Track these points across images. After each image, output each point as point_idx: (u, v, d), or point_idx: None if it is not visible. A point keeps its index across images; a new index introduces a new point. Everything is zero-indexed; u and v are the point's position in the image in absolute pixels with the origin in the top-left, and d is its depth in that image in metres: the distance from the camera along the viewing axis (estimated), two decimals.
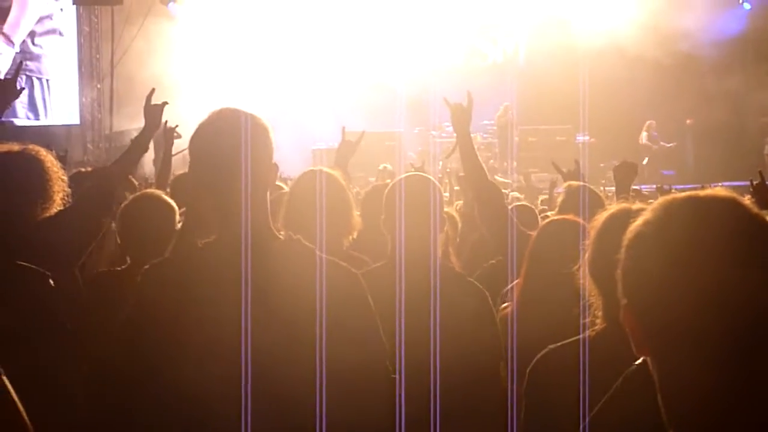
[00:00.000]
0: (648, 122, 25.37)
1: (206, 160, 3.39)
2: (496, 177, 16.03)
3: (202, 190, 3.42)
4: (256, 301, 3.17)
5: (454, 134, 5.98)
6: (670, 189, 12.34)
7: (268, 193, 3.44)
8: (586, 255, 3.61)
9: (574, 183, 6.39)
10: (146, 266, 3.46)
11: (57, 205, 4.99)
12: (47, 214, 4.92)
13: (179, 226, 5.58)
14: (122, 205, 5.73)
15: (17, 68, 5.53)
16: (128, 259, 5.63)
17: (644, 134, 25.33)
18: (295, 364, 3.22)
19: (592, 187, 6.65)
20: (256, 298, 3.17)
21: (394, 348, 3.94)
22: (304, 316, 3.21)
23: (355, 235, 5.42)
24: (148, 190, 6.25)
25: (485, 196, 5.83)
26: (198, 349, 3.21)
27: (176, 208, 5.68)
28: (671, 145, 24.93)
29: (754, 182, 6.72)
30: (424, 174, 5.28)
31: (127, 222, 5.63)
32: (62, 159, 8.44)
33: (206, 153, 3.38)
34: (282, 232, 3.44)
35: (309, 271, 3.28)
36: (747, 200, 2.07)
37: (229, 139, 3.30)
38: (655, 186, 15.76)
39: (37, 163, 4.99)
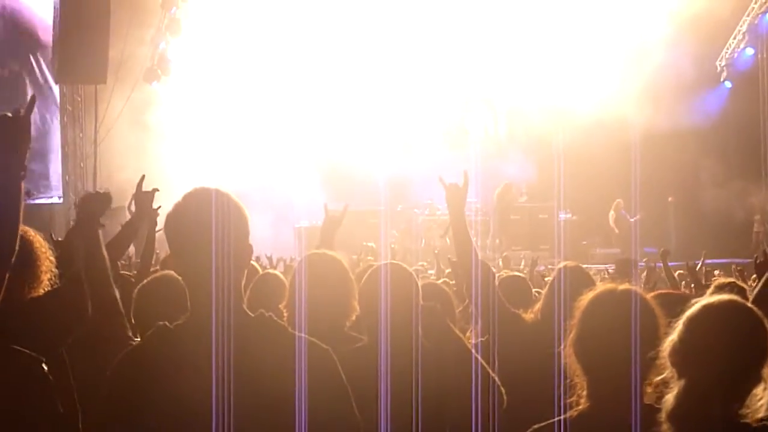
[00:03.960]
0: (615, 202, 25.44)
1: (180, 239, 3.40)
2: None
3: (178, 270, 3.42)
4: (227, 381, 3.17)
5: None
6: (655, 266, 12.37)
7: (243, 273, 3.46)
8: (571, 335, 3.60)
9: (569, 263, 6.39)
10: (120, 355, 3.44)
11: (44, 285, 4.95)
12: (34, 294, 4.89)
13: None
14: (139, 285, 5.69)
15: (30, 103, 5.20)
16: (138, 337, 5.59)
17: (612, 214, 25.40)
18: None
19: (582, 266, 6.66)
20: (228, 378, 3.18)
21: (373, 423, 3.96)
22: (275, 393, 3.22)
23: (354, 317, 5.43)
24: (166, 272, 6.23)
25: (475, 275, 5.86)
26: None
27: None
28: (635, 219, 24.89)
29: (758, 260, 6.84)
30: (402, 264, 5.39)
31: (143, 302, 5.57)
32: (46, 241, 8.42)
33: (179, 233, 3.40)
34: (264, 310, 3.43)
35: (279, 349, 3.30)
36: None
37: (202, 220, 3.31)
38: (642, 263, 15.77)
39: (26, 243, 4.97)
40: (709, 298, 3.36)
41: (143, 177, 5.85)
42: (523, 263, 22.33)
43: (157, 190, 5.86)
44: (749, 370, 3.18)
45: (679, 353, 3.24)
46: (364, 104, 26.30)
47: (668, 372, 3.27)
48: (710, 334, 3.23)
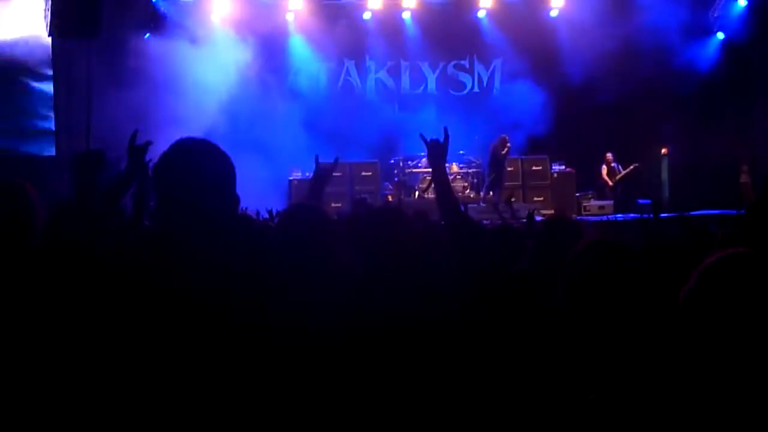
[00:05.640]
0: (606, 156, 25.38)
1: (166, 190, 3.40)
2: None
3: (165, 221, 3.42)
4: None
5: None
6: (649, 218, 12.36)
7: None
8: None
9: (556, 214, 6.38)
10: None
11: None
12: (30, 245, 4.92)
13: None
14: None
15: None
16: None
17: (604, 168, 25.36)
18: None
19: (570, 217, 6.66)
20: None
21: None
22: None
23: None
24: None
25: (460, 230, 5.85)
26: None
27: None
28: (629, 169, 24.82)
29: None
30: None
31: None
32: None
33: (166, 184, 3.40)
34: None
35: None
36: None
37: (188, 170, 3.32)
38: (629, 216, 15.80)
39: (21, 196, 4.99)
40: (725, 251, 3.34)
41: (136, 131, 5.83)
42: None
43: (150, 143, 5.85)
44: (763, 323, 3.16)
45: (692, 305, 3.24)
46: (360, 56, 26.25)
47: (681, 322, 3.28)
48: (724, 286, 3.24)
